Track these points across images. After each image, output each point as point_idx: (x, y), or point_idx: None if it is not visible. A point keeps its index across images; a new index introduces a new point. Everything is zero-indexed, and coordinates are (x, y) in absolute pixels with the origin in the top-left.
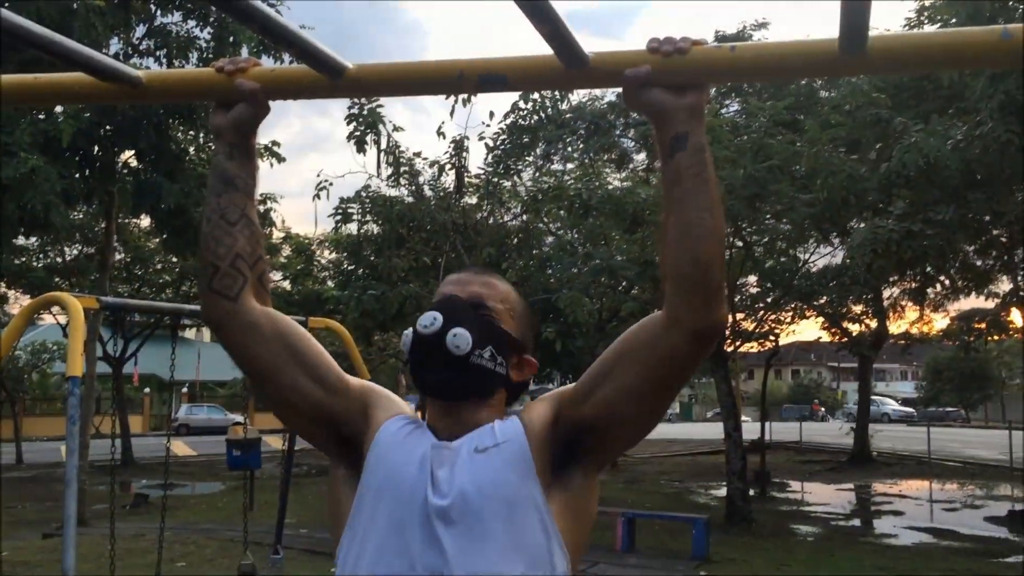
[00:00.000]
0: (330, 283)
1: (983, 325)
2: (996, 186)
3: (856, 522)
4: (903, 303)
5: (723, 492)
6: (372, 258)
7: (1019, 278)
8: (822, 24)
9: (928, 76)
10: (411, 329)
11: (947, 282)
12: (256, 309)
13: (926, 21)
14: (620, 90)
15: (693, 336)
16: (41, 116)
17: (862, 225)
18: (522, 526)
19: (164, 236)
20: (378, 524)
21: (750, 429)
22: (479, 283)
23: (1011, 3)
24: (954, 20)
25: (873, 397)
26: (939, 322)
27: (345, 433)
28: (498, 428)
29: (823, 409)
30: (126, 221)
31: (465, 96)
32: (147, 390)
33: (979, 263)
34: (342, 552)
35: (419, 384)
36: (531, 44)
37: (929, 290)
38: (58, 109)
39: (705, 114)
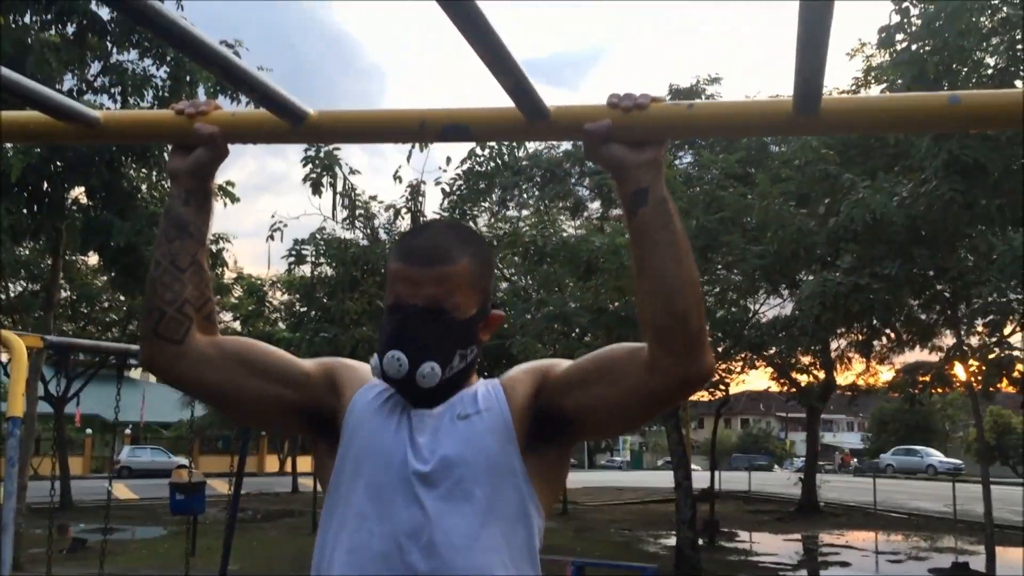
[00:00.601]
0: (282, 324)
1: (927, 378)
2: (940, 242)
3: (803, 573)
4: (850, 355)
5: (673, 541)
6: (325, 300)
7: (962, 333)
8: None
9: (875, 135)
10: (377, 360)
11: (892, 335)
12: (202, 342)
13: (873, 80)
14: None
15: (676, 385)
16: None
17: (811, 278)
18: (501, 490)
19: (113, 274)
20: (358, 491)
21: (700, 478)
22: (433, 280)
23: (954, 67)
24: (900, 81)
25: (915, 448)
26: (885, 374)
27: (320, 417)
28: (480, 395)
29: (854, 460)
30: (73, 258)
31: (421, 147)
32: (89, 431)
33: (923, 317)
34: (323, 521)
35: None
36: (491, 91)
37: (875, 343)
38: (7, 144)
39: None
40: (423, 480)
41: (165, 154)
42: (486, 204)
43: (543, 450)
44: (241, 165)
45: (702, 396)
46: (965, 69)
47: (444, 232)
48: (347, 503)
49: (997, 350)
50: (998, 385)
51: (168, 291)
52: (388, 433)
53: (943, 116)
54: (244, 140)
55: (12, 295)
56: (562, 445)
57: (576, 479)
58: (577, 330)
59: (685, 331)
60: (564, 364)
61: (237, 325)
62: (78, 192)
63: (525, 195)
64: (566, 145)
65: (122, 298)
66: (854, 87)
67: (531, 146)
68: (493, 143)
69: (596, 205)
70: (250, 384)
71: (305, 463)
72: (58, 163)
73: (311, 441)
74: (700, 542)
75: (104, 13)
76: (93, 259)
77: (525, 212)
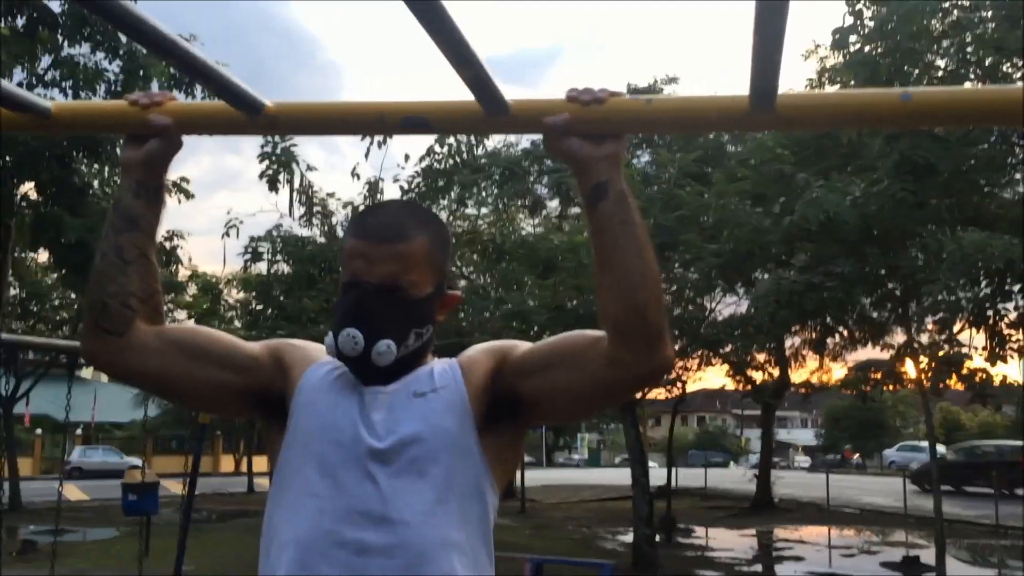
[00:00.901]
0: (237, 323)
1: (879, 375)
2: (891, 241)
3: (758, 567)
4: (804, 352)
5: (630, 538)
6: (282, 298)
7: (913, 330)
8: (729, 81)
9: (829, 135)
10: (331, 338)
11: (845, 333)
12: (145, 332)
13: (827, 81)
14: (536, 137)
15: (636, 377)
16: None
17: (766, 276)
18: (457, 467)
19: (63, 271)
20: (308, 468)
21: (657, 475)
22: (389, 256)
23: (905, 68)
24: (852, 81)
25: (920, 443)
26: (838, 371)
27: (270, 399)
28: (437, 373)
29: (856, 456)
30: (23, 255)
31: (381, 138)
32: (39, 431)
33: (875, 315)
34: (270, 500)
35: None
36: (450, 90)
37: (828, 340)
38: None
39: (624, 164)
40: (377, 457)
41: (117, 149)
42: (444, 202)
43: (498, 430)
44: (196, 161)
45: (659, 394)
46: (916, 71)
47: (401, 210)
48: (296, 481)
49: (947, 347)
50: (948, 382)
51: (112, 283)
52: (340, 410)
53: (895, 112)
54: (200, 131)
55: None
56: (517, 427)
57: (534, 477)
58: (535, 328)
59: (645, 324)
60: (523, 347)
61: (192, 324)
62: (28, 188)
63: (484, 193)
64: (525, 143)
65: (73, 296)
66: (809, 87)
67: (490, 144)
68: (452, 140)
69: (555, 203)
70: (195, 371)
71: (261, 463)
72: (7, 158)
73: (262, 424)
74: (657, 538)
75: (55, 5)
76: (43, 256)
77: (484, 210)
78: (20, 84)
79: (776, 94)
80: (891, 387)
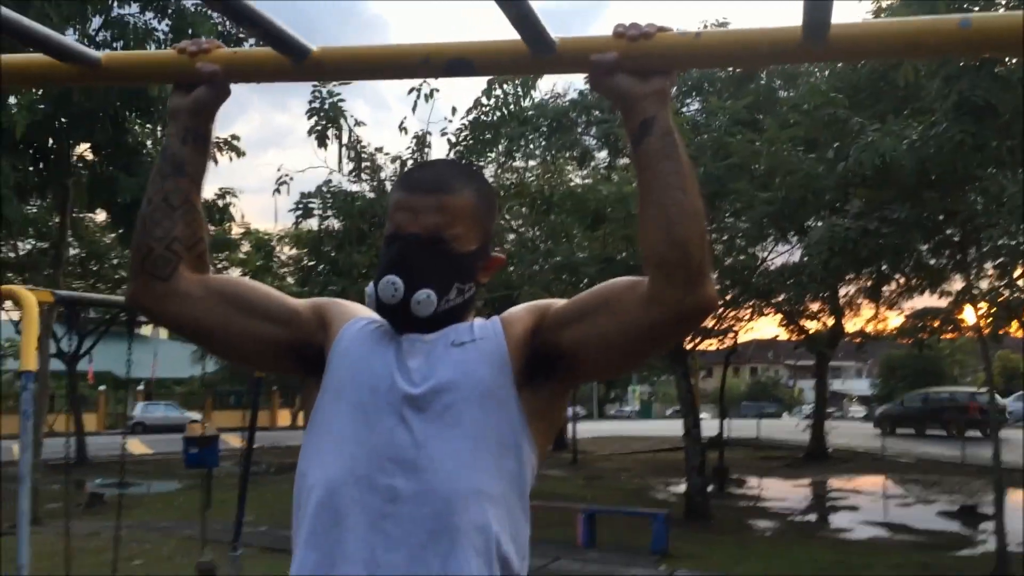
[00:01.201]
0: (290, 279)
1: (936, 323)
2: (949, 185)
3: (812, 517)
4: (859, 301)
5: (682, 488)
6: (332, 254)
7: (971, 276)
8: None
9: (884, 76)
10: (372, 287)
11: (902, 280)
12: (189, 280)
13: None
14: (584, 87)
15: (677, 317)
16: None
17: (819, 223)
18: (493, 418)
19: (120, 231)
20: (342, 414)
21: (709, 426)
22: (434, 208)
23: (965, 5)
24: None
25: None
26: (894, 320)
27: (309, 354)
28: (477, 326)
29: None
30: (81, 215)
31: (427, 92)
32: (102, 388)
33: (933, 262)
34: (303, 448)
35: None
36: (497, 33)
37: (884, 288)
38: (12, 100)
39: (671, 102)
40: (412, 403)
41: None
42: (492, 155)
43: (538, 387)
44: (246, 119)
45: (710, 345)
46: (978, 8)
47: (447, 166)
48: (328, 427)
49: (1006, 293)
50: (1007, 329)
51: (158, 228)
52: (376, 357)
53: (954, 40)
54: (246, 78)
55: (21, 253)
56: (558, 385)
57: (585, 429)
58: (585, 280)
59: (686, 259)
60: (562, 302)
61: (237, 275)
62: (83, 149)
63: (531, 145)
64: (573, 94)
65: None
66: None
67: (537, 96)
68: (499, 92)
69: (603, 154)
70: (237, 321)
71: None
72: (63, 119)
73: (301, 380)
74: (709, 489)
75: None
76: (101, 216)
77: (532, 162)
78: None
79: (829, 24)
80: (949, 335)
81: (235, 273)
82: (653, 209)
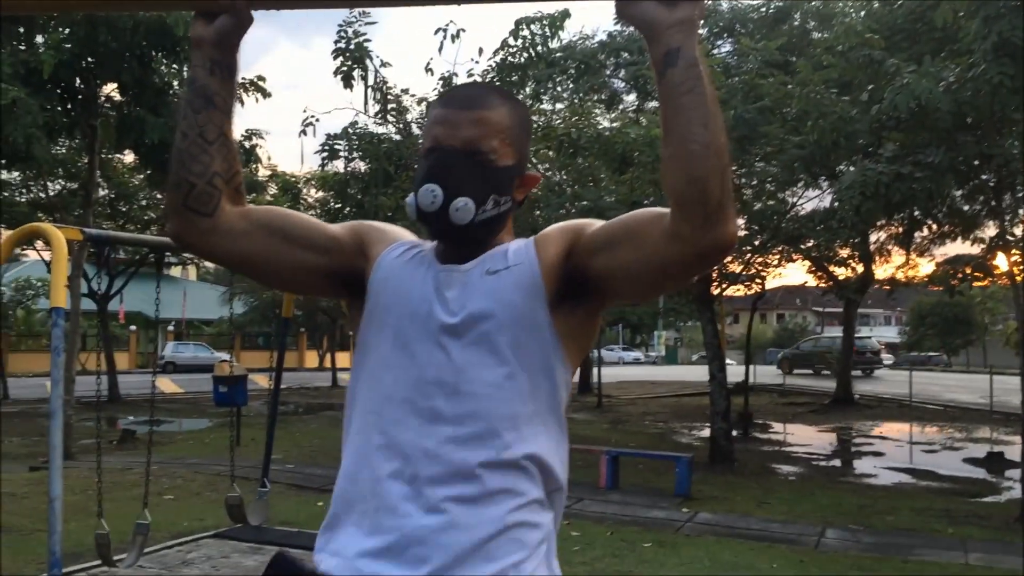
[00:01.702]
0: None
1: (968, 269)
2: (986, 129)
3: (836, 462)
4: (889, 248)
5: (707, 433)
6: (359, 196)
7: (1005, 223)
8: None
9: (922, 18)
10: (412, 198)
11: (934, 227)
12: (231, 213)
13: None
14: (612, 28)
15: (695, 253)
16: (22, 47)
17: (851, 168)
18: (527, 342)
19: (148, 172)
20: (384, 342)
21: (735, 372)
22: (470, 121)
23: None
24: None
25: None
26: (924, 267)
27: (351, 279)
28: (511, 251)
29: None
30: (109, 156)
31: (454, 32)
32: (133, 327)
33: (966, 208)
34: (352, 373)
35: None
36: None
37: (916, 234)
38: (39, 39)
39: (699, 31)
40: (449, 331)
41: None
42: (519, 97)
43: (572, 308)
44: (271, 59)
45: (737, 291)
46: None
47: (485, 86)
48: (373, 355)
49: None
50: None
51: (196, 163)
52: (415, 287)
53: None
54: (268, 4)
55: (51, 194)
56: (590, 306)
57: (610, 373)
58: None
59: (705, 196)
60: (596, 224)
61: (273, 206)
62: (111, 89)
63: (559, 88)
64: (601, 36)
65: (159, 196)
66: None
67: (565, 37)
68: (526, 33)
69: (632, 97)
70: (281, 252)
71: (344, 359)
72: (89, 59)
73: (346, 304)
74: (734, 433)
75: None
76: (129, 157)
77: (559, 105)
78: None
79: None
80: (981, 282)
81: None
82: (674, 144)
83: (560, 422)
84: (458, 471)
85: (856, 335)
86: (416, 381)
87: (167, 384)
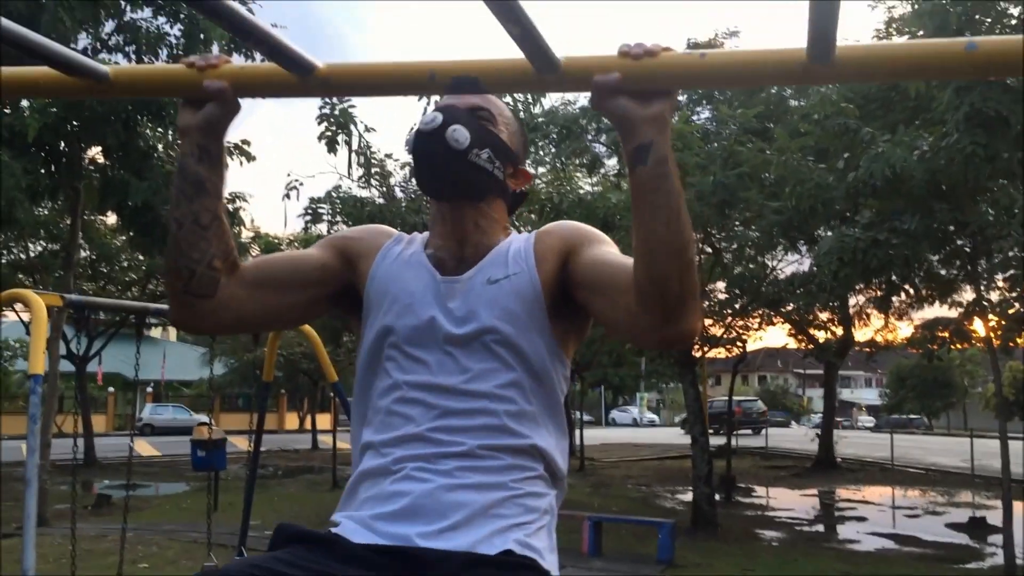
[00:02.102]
0: None
1: (946, 333)
2: (960, 196)
3: (820, 527)
4: (868, 311)
5: (689, 497)
6: None
7: (982, 288)
8: (791, 35)
9: (895, 87)
10: (413, 127)
11: (911, 291)
12: (228, 285)
13: (895, 33)
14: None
15: (656, 340)
16: (7, 111)
17: (829, 233)
18: (531, 350)
19: (131, 233)
20: (392, 348)
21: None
22: (476, 97)
23: (976, 17)
24: (921, 32)
25: None
26: (904, 330)
27: (350, 294)
28: (511, 256)
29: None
30: (92, 218)
31: (438, 98)
32: (111, 389)
33: (943, 272)
34: (355, 388)
35: (421, 183)
36: (503, 51)
37: (894, 298)
38: (24, 103)
39: (672, 122)
40: (455, 341)
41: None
42: None
43: (568, 313)
44: (254, 121)
45: (719, 353)
46: (988, 19)
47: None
48: (380, 367)
49: (1017, 305)
50: (1017, 340)
51: (195, 250)
52: (416, 298)
53: (960, 63)
54: (253, 93)
55: (32, 255)
56: (583, 312)
57: (592, 435)
58: None
59: (664, 295)
60: (591, 251)
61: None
62: (95, 152)
63: (541, 152)
64: (583, 101)
65: (141, 257)
66: (876, 38)
67: (547, 103)
68: (508, 99)
69: (613, 162)
70: (281, 302)
71: (324, 420)
72: (74, 123)
73: (351, 320)
74: (717, 497)
75: None
76: (112, 219)
77: (541, 169)
78: (85, 49)
79: (834, 47)
80: (959, 345)
81: None
82: (639, 239)
83: (560, 417)
84: (470, 451)
85: (744, 398)
86: (426, 385)
87: (144, 447)
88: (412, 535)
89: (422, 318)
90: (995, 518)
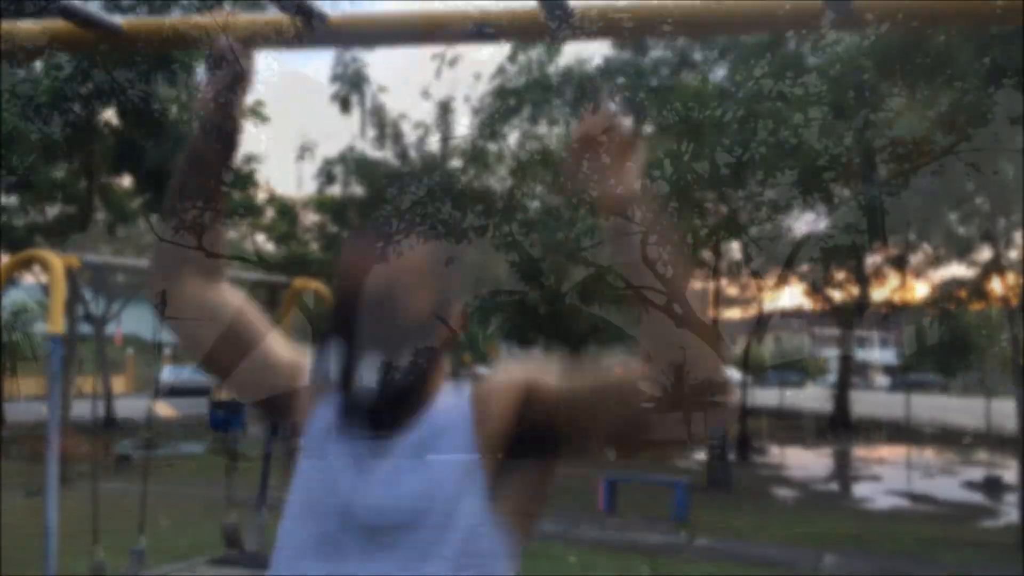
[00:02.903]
0: (314, 245)
1: (963, 293)
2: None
3: (834, 486)
4: (885, 271)
5: (704, 456)
6: (356, 220)
7: (1000, 246)
8: None
9: (916, 41)
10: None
11: (929, 250)
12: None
13: None
14: (610, 53)
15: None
16: (21, 72)
17: (846, 192)
18: (464, 531)
19: (146, 196)
20: (309, 530)
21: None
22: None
23: None
24: None
25: None
26: (920, 289)
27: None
28: (442, 414)
29: None
30: (108, 181)
31: (451, 57)
32: (130, 351)
33: (961, 231)
34: (280, 537)
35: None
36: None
37: (911, 257)
38: (37, 64)
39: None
40: (376, 533)
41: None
42: (516, 122)
43: (519, 466)
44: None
45: (734, 314)
46: None
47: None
48: (300, 535)
49: None
50: None
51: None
52: (339, 474)
53: (981, 7)
54: (267, 45)
55: (50, 217)
56: (544, 464)
57: None
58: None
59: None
60: (548, 387)
61: (271, 247)
62: (109, 114)
63: (556, 112)
64: (597, 60)
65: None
66: None
67: (562, 62)
68: (523, 58)
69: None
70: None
71: None
72: (90, 85)
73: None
74: (731, 457)
75: None
76: (127, 181)
77: (556, 129)
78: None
79: None
80: (977, 305)
81: (260, 238)
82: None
83: None
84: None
85: None
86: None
87: (164, 408)
88: None
89: (342, 499)
90: (1011, 477)
